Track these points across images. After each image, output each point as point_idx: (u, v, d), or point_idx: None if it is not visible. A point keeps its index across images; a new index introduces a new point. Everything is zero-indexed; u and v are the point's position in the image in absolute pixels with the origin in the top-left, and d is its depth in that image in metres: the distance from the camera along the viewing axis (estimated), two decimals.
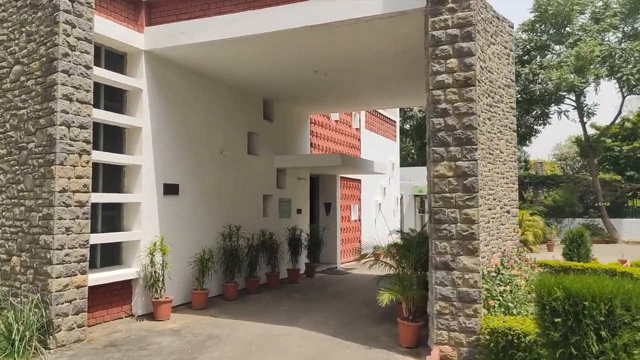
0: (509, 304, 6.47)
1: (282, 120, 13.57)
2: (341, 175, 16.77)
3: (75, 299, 7.03)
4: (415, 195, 25.24)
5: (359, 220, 18.68)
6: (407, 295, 7.17)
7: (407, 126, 36.36)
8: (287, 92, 12.25)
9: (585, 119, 28.55)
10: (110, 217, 8.70)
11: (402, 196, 24.32)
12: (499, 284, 6.98)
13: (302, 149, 14.59)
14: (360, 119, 18.86)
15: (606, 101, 38.83)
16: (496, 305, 6.50)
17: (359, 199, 18.75)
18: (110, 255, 8.69)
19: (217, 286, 10.50)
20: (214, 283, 10.23)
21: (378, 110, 20.77)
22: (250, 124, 12.11)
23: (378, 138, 20.55)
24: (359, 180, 18.72)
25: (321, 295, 11.09)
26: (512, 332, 5.49)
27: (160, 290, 8.66)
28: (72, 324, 6.97)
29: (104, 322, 8.09)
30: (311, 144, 15.20)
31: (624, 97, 27.67)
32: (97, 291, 7.81)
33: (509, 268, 7.54)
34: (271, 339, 7.44)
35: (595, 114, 28.31)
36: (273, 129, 13.10)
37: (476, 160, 6.33)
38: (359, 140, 18.75)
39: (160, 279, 8.68)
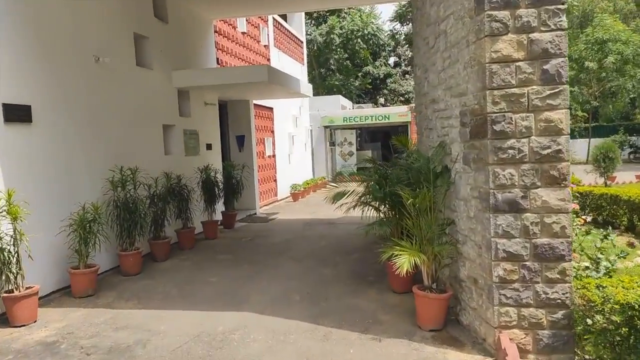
0: (602, 261, 4.33)
1: (180, 22, 9.95)
2: (254, 102, 13.65)
3: None
4: (326, 127, 22.86)
5: (274, 156, 15.87)
6: (429, 253, 4.71)
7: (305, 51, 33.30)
8: None
9: None
10: None
11: (311, 128, 21.79)
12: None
13: (207, 65, 11.14)
14: (268, 34, 15.57)
15: None
16: (582, 262, 4.32)
17: (272, 131, 15.84)
18: None
19: (111, 257, 7.22)
20: (105, 254, 6.94)
21: (285, 26, 17.55)
22: (137, 22, 8.43)
23: (287, 59, 17.46)
24: (272, 109, 15.73)
25: (256, 254, 8.33)
26: None
27: (16, 278, 5.28)
28: None
29: None
30: (217, 60, 11.76)
31: None
32: None
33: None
34: (221, 343, 4.61)
35: None
36: (169, 34, 9.49)
37: (563, 30, 3.85)
38: (269, 60, 15.55)
39: (13, 260, 5.26)
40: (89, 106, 7.04)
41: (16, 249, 5.26)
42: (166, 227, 8.24)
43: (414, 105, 24.21)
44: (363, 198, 6.46)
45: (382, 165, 6.84)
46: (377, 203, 6.29)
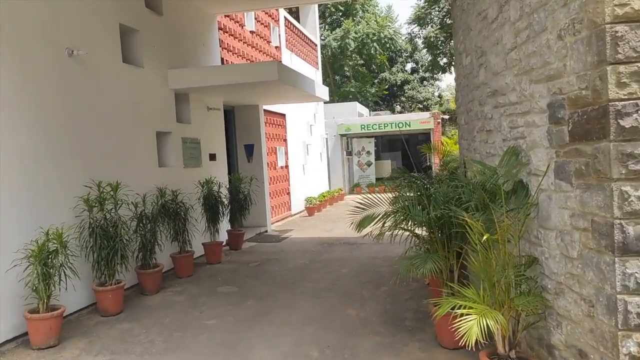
0: None
1: (177, 15, 8.72)
2: (265, 108, 12.36)
3: None
4: (342, 135, 21.50)
5: (287, 166, 14.54)
6: (506, 308, 3.28)
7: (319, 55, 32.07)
8: None
9: None
10: None
11: (327, 137, 20.45)
12: None
13: (210, 65, 9.88)
14: (280, 35, 14.33)
15: None
16: None
17: (285, 140, 14.54)
18: None
19: (84, 293, 5.91)
20: (80, 289, 5.65)
21: (297, 27, 16.31)
22: (124, 11, 7.20)
23: (300, 63, 16.17)
24: (284, 116, 14.44)
25: (264, 285, 6.96)
26: None
27: None
28: None
29: None
30: (222, 60, 10.51)
31: None
32: None
33: None
34: None
35: None
36: (164, 27, 8.25)
37: None
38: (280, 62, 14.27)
39: None
40: (60, 109, 5.78)
41: None
42: (160, 252, 6.91)
43: (436, 111, 22.81)
44: (394, 220, 5.02)
45: (419, 178, 5.42)
46: (416, 227, 4.87)
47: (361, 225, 4.81)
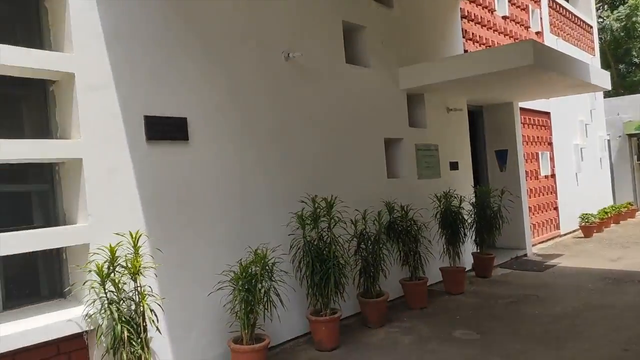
0: None
1: (410, 5, 7.68)
2: (521, 106, 10.26)
3: None
4: (630, 135, 17.03)
5: (553, 176, 11.90)
6: None
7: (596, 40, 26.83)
8: None
9: None
10: (20, 198, 3.94)
11: (608, 138, 16.43)
12: None
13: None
14: (541, 18, 11.90)
15: None
16: None
17: (549, 143, 11.93)
18: (29, 282, 3.92)
19: (299, 319, 5.28)
20: (292, 314, 5.06)
21: (566, 7, 13.43)
22: (348, 7, 6.51)
23: (569, 49, 13.20)
24: (548, 114, 11.89)
25: (517, 337, 5.16)
26: None
27: None
28: None
29: None
30: (465, 52, 9.01)
31: None
32: None
33: None
34: None
35: None
36: (394, 21, 7.30)
37: None
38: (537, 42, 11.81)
39: (141, 331, 3.69)
40: (272, 117, 5.33)
41: (139, 318, 3.68)
42: (385, 278, 5.88)
43: None
44: None
45: None
46: None
47: None
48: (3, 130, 3.71)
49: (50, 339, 3.45)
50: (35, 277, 3.85)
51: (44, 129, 3.98)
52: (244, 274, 4.33)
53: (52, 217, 3.95)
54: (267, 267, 4.44)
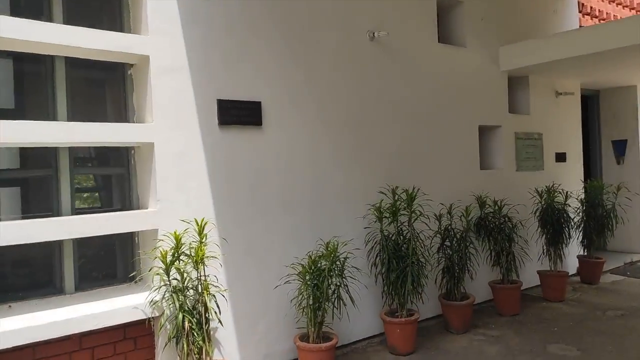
0: None
1: None
2: None
3: None
4: None
5: None
6: None
7: None
8: None
9: None
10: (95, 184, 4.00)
11: None
12: None
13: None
14: None
15: None
16: None
17: None
18: (100, 265, 3.98)
19: (374, 319, 4.97)
20: (365, 312, 4.77)
21: None
22: None
23: None
24: None
25: (629, 356, 4.42)
26: None
27: (206, 355, 3.61)
28: None
29: None
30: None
31: None
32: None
33: None
34: None
35: None
36: None
37: None
38: None
39: (204, 322, 3.61)
40: (352, 102, 4.98)
41: (202, 309, 3.59)
42: (471, 279, 5.38)
43: None
44: None
45: None
46: None
47: None
48: (88, 115, 3.77)
49: (116, 323, 3.47)
50: (109, 261, 3.91)
51: (122, 112, 4.00)
52: (312, 268, 4.09)
53: (128, 201, 3.98)
54: (337, 263, 4.16)
